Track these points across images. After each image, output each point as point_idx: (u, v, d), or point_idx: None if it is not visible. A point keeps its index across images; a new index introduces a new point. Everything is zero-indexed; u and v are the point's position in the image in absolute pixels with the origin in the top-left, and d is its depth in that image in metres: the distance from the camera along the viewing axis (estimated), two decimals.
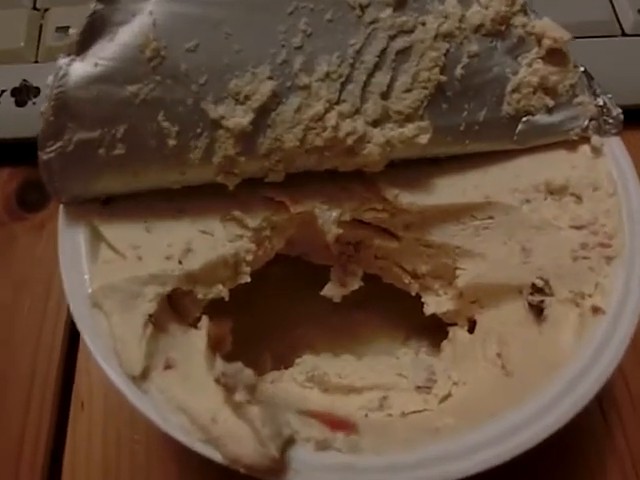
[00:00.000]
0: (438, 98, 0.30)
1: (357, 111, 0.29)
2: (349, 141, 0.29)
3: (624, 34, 0.50)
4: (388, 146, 0.30)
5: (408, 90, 0.30)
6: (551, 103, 0.32)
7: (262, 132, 0.28)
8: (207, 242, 0.29)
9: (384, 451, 0.25)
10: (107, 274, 0.27)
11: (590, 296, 0.29)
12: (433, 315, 0.35)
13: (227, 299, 0.29)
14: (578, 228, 0.31)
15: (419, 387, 0.31)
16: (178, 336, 0.28)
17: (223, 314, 0.31)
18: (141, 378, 0.25)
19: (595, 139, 0.32)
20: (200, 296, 0.29)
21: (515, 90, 0.31)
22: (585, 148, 0.33)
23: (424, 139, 0.30)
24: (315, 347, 0.38)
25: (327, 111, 0.28)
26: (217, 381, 0.24)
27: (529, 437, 0.25)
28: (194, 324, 0.29)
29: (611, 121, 0.33)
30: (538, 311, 0.30)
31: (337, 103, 0.29)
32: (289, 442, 0.24)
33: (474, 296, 0.32)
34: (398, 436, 0.26)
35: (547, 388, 0.27)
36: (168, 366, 0.26)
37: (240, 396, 0.23)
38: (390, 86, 0.29)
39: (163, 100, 0.27)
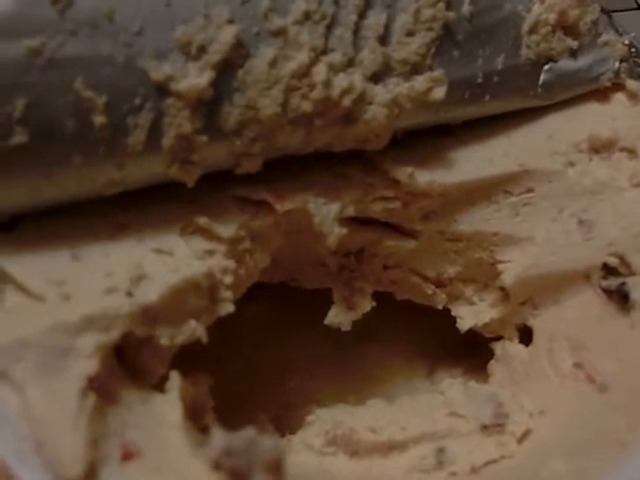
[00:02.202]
0: (447, 43, 0.24)
1: (351, 62, 0.22)
2: (346, 102, 0.21)
3: None
4: (395, 106, 0.22)
5: (410, 33, 0.23)
6: (574, 45, 0.26)
7: (227, 98, 0.20)
8: (165, 264, 0.20)
9: None
10: (15, 326, 0.18)
11: None
12: (465, 335, 0.27)
13: (205, 340, 0.20)
14: None
15: (486, 427, 0.22)
16: (137, 407, 0.18)
17: (192, 370, 0.22)
18: None
19: (631, 83, 0.27)
20: (164, 341, 0.19)
21: (532, 30, 0.25)
22: (619, 96, 0.27)
23: (440, 93, 0.23)
24: (319, 399, 0.29)
25: (313, 63, 0.21)
26: (216, 467, 0.14)
27: None
28: (159, 387, 0.20)
29: None
30: (620, 298, 0.23)
31: (324, 53, 0.21)
32: None
33: (525, 295, 0.25)
34: None
35: None
36: (128, 455, 0.16)
37: None
38: (388, 28, 0.22)
39: (81, 59, 0.19)
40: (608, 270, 0.23)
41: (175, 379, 0.19)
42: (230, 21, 0.20)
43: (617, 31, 0.28)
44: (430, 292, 0.27)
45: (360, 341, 0.30)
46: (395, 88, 0.22)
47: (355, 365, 0.30)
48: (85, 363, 0.17)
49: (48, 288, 0.19)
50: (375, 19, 0.22)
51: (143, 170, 0.20)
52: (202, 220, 0.21)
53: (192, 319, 0.20)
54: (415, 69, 0.23)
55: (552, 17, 0.26)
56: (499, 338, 0.27)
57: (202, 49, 0.20)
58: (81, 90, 0.19)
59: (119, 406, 0.18)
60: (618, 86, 0.27)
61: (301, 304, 0.29)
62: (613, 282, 0.23)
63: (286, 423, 0.27)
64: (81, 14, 0.18)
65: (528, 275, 0.24)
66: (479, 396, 0.23)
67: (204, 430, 0.21)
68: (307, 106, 0.21)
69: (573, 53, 0.26)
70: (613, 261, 0.23)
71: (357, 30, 0.22)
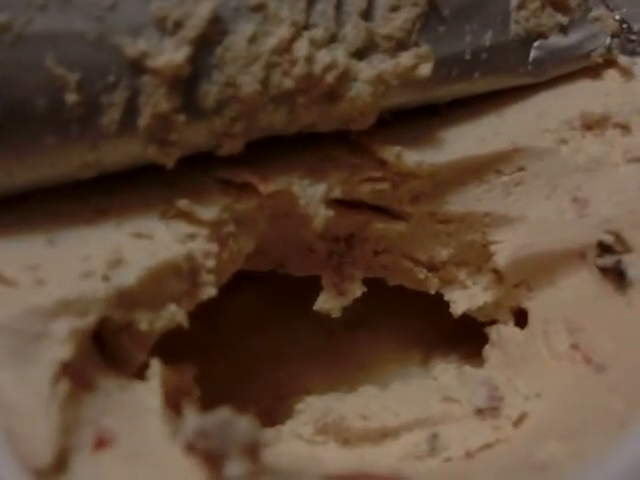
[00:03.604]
0: (433, 19, 0.23)
1: (334, 38, 0.21)
2: (329, 78, 0.21)
3: None
4: (381, 83, 0.22)
5: (395, 8, 0.22)
6: (564, 20, 0.26)
7: (206, 75, 0.20)
8: (145, 248, 0.20)
9: None
10: None
11: None
12: (460, 321, 0.26)
13: (186, 326, 0.19)
14: None
15: (480, 410, 0.21)
16: (114, 394, 0.17)
17: (177, 359, 0.21)
18: (55, 470, 0.14)
19: (623, 59, 0.26)
20: (144, 326, 0.19)
21: (521, 6, 0.25)
22: (612, 73, 0.26)
23: (426, 69, 0.22)
24: (312, 389, 0.28)
25: (294, 38, 0.20)
26: (189, 449, 0.14)
27: None
28: (140, 374, 0.19)
29: (634, 37, 0.27)
30: (616, 276, 0.22)
31: (305, 28, 0.21)
32: None
33: (519, 277, 0.24)
34: None
35: None
36: (102, 442, 0.15)
37: (235, 469, 0.13)
38: (371, 3, 0.22)
39: (51, 35, 0.18)
40: (603, 248, 0.23)
41: (156, 366, 0.19)
42: None
43: (608, 7, 0.27)
44: (422, 277, 0.26)
45: (352, 330, 0.30)
46: (380, 64, 0.22)
47: (348, 355, 0.30)
48: (59, 348, 0.16)
49: (21, 273, 0.18)
50: None
51: (119, 151, 0.20)
52: (183, 203, 0.21)
53: (172, 303, 0.19)
54: (400, 45, 0.22)
55: None
56: (494, 322, 0.26)
57: (178, 24, 0.19)
58: (53, 67, 0.18)
59: (95, 393, 0.17)
60: (610, 62, 0.26)
61: (291, 294, 0.29)
62: (609, 260, 0.22)
63: (279, 415, 0.27)
64: None
65: (521, 255, 0.24)
66: (473, 380, 0.22)
67: None
68: (289, 83, 0.20)
69: (563, 29, 0.26)
70: (608, 238, 0.23)
71: (340, 5, 0.21)
